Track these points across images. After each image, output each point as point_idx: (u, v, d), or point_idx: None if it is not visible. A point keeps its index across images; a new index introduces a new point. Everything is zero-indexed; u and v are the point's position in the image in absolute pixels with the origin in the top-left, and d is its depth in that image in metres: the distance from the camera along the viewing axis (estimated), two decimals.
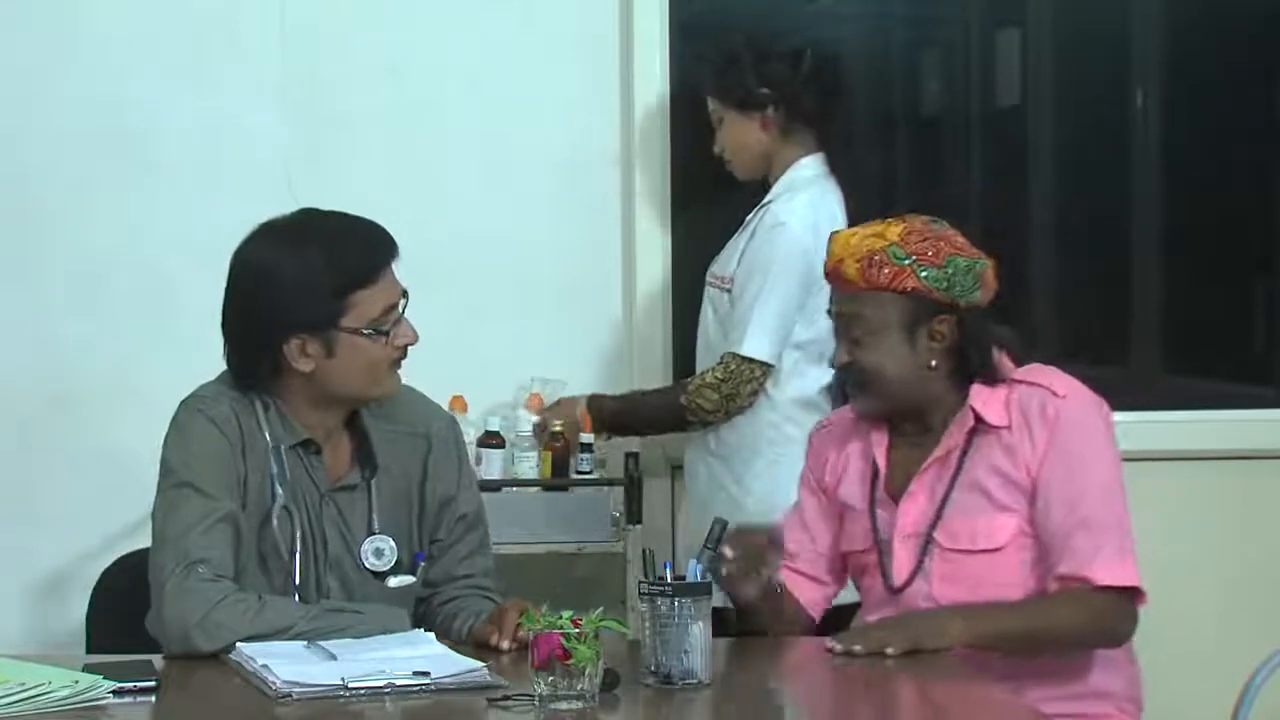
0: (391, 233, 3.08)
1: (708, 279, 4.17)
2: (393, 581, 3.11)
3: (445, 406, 3.88)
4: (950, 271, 3.05)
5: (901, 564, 3.09)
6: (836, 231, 3.17)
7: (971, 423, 3.07)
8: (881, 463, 3.15)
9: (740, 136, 4.13)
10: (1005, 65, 4.80)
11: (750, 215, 4.12)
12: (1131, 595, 3.02)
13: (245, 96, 4.50)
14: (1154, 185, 4.80)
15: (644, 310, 4.55)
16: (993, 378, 3.09)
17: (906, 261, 3.04)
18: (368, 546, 3.10)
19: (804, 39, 4.27)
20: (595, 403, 4.23)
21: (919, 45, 4.81)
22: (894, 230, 3.06)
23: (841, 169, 4.09)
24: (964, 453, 3.07)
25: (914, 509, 3.09)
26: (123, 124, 4.48)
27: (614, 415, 4.21)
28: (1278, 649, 3.25)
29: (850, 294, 3.08)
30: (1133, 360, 4.83)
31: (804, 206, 3.99)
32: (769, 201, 4.05)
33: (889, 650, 2.88)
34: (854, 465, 3.19)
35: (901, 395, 3.10)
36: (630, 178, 4.54)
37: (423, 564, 3.15)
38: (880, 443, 3.16)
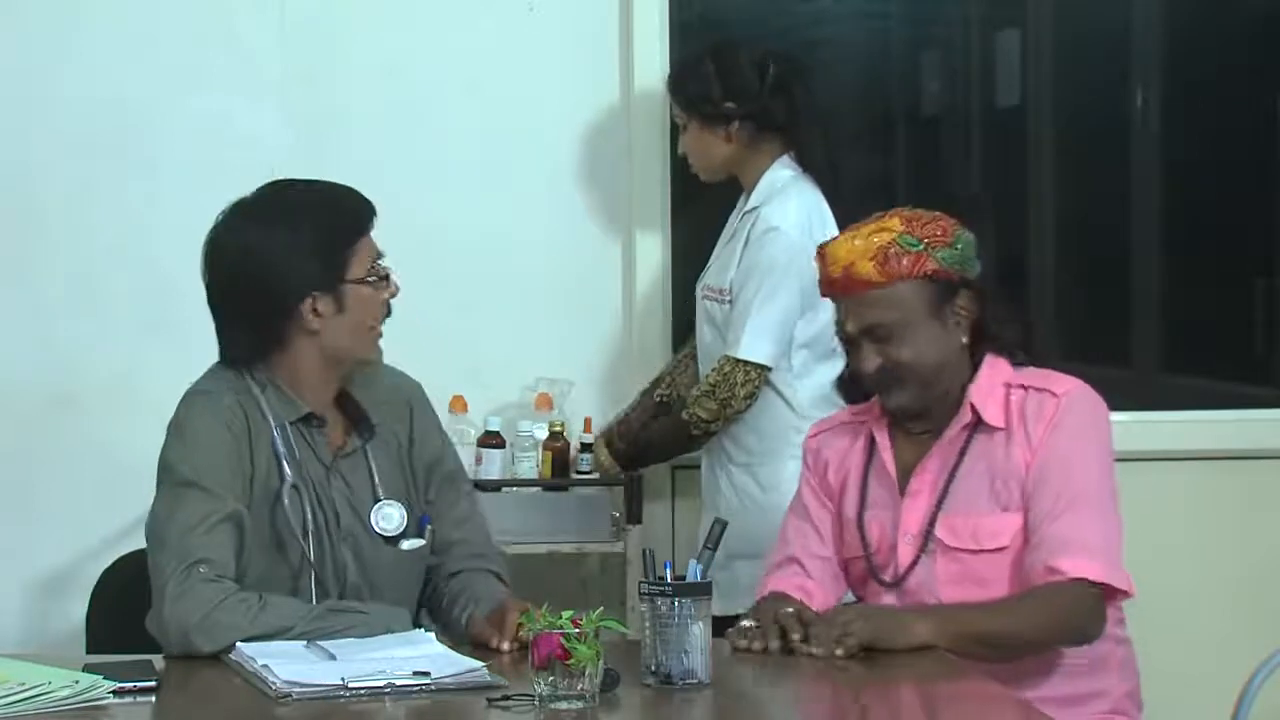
0: (392, 232, 3.11)
1: (701, 292, 4.14)
2: (405, 545, 3.12)
3: (445, 407, 3.87)
4: (960, 248, 3.05)
5: (902, 561, 3.09)
6: (826, 243, 3.11)
7: (969, 418, 3.07)
8: (890, 465, 3.14)
9: (704, 146, 4.09)
10: (1005, 65, 4.80)
11: (735, 221, 4.11)
12: (1102, 592, 2.97)
13: (245, 96, 4.50)
14: (1154, 185, 4.80)
15: (644, 310, 4.54)
16: (1009, 350, 3.09)
17: (920, 247, 3.02)
18: (377, 512, 3.11)
19: (803, 39, 4.27)
20: (607, 448, 4.28)
21: (919, 45, 4.81)
22: (893, 223, 3.04)
23: (817, 170, 4.04)
24: (963, 449, 3.08)
25: (919, 507, 3.09)
26: (122, 123, 4.48)
27: (626, 454, 4.25)
28: (1278, 649, 3.25)
29: (866, 295, 3.03)
30: (1133, 360, 4.83)
31: (795, 210, 3.97)
32: (756, 207, 4.03)
33: (848, 643, 2.85)
34: (854, 474, 3.19)
35: (941, 381, 3.07)
36: (630, 177, 4.54)
37: (429, 526, 3.16)
38: (885, 445, 3.15)
